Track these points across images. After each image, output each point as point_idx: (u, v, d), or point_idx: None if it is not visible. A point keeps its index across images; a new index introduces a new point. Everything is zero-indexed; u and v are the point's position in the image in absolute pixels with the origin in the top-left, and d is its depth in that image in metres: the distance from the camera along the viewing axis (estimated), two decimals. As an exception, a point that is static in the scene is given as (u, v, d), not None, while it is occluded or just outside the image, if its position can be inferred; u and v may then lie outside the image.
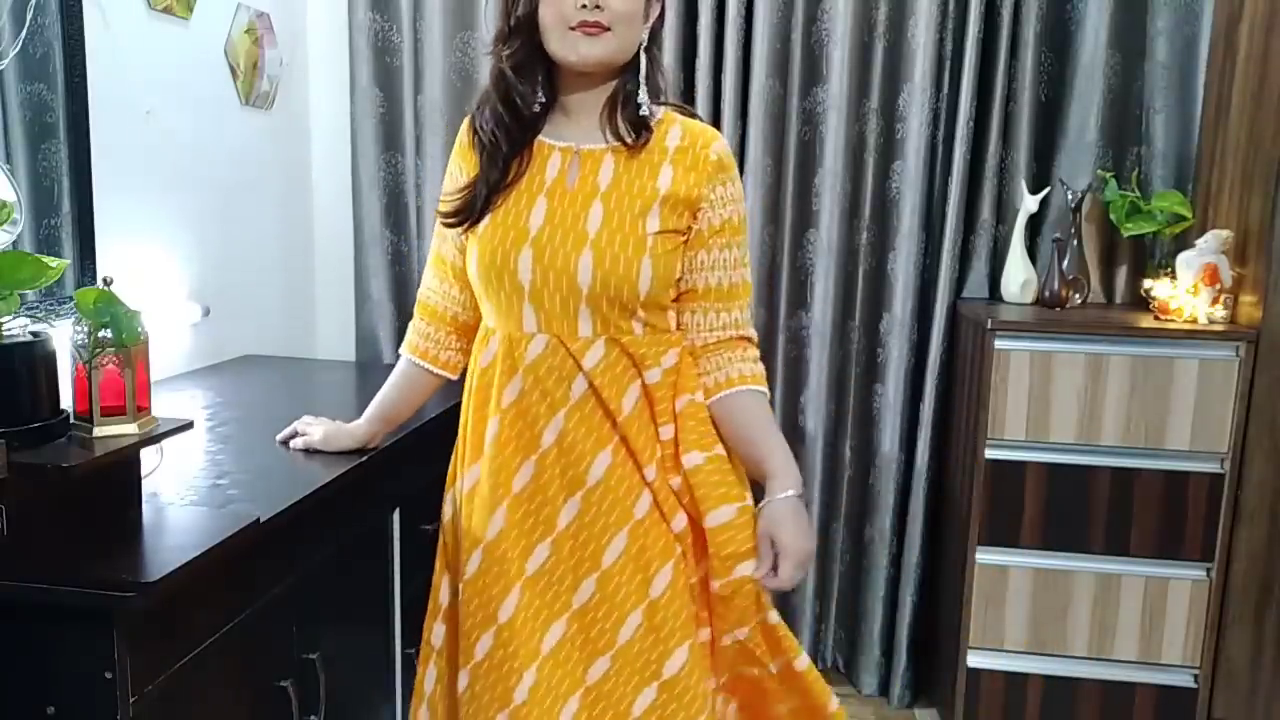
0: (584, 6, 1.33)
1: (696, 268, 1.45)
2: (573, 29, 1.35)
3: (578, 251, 1.39)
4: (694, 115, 1.52)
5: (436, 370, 1.62)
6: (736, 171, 1.48)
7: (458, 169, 1.51)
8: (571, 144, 1.44)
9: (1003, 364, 2.25)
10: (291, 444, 1.75)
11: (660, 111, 1.45)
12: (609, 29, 1.35)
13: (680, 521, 1.45)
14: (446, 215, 1.47)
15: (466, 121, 1.52)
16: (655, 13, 1.43)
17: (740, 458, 1.48)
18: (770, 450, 1.46)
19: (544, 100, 1.43)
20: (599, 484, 1.43)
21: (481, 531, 1.45)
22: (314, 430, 1.73)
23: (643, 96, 1.41)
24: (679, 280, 1.45)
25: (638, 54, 1.42)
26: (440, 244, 1.57)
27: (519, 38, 1.39)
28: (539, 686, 1.41)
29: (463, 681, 1.48)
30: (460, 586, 1.49)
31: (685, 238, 1.44)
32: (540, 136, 1.45)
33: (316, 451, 1.72)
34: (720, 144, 1.46)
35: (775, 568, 1.43)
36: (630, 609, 1.43)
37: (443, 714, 1.57)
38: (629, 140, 1.41)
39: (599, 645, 1.44)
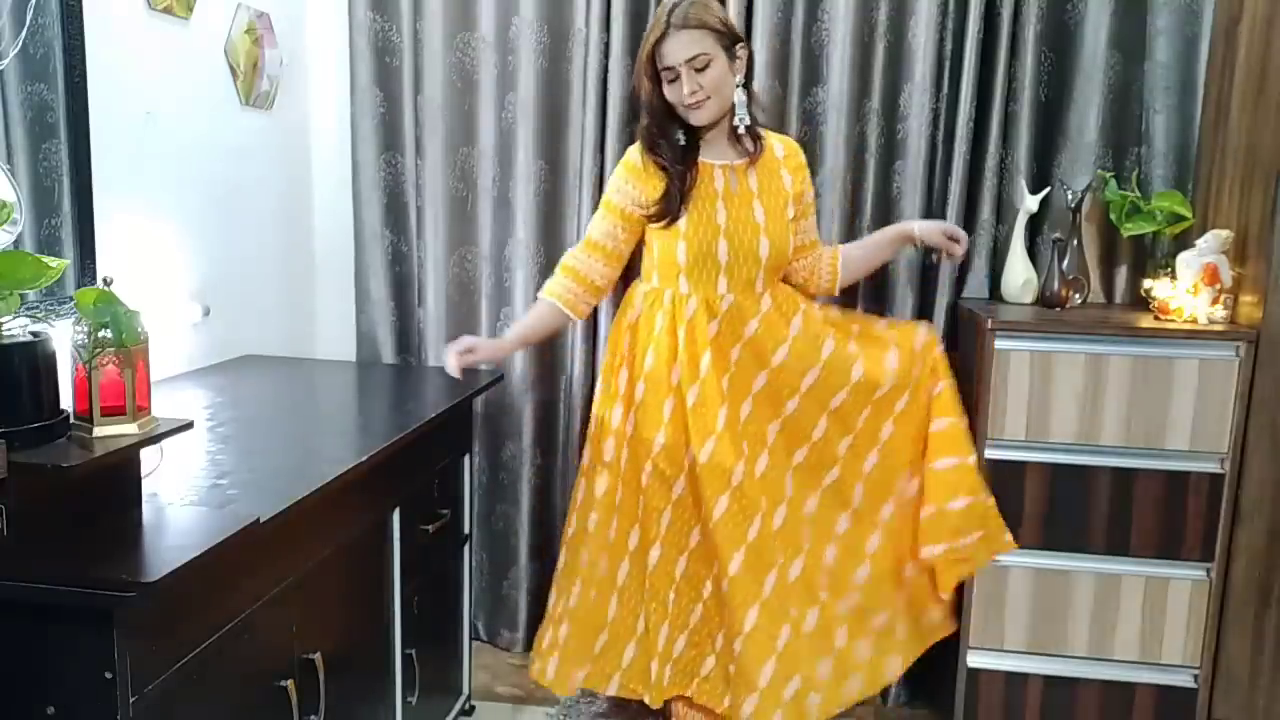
0: (690, 93, 2.01)
1: (806, 230, 2.24)
2: (685, 106, 2.03)
3: (756, 237, 2.09)
4: (772, 129, 2.25)
5: (570, 313, 2.22)
6: None
7: (631, 185, 2.12)
8: (725, 161, 2.12)
9: (1003, 364, 2.25)
10: (459, 364, 2.17)
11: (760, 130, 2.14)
12: (709, 98, 2.02)
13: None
14: (654, 218, 2.10)
15: (637, 149, 2.13)
16: (742, 65, 2.07)
17: (873, 261, 2.32)
18: (878, 235, 2.32)
19: (683, 142, 2.08)
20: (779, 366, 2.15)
21: (713, 422, 2.08)
22: (480, 350, 2.20)
23: (738, 122, 2.08)
24: (801, 235, 2.22)
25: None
26: (602, 236, 2.17)
27: (656, 116, 2.08)
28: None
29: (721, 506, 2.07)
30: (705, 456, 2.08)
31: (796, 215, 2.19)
32: (701, 158, 2.10)
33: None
34: (799, 149, 2.23)
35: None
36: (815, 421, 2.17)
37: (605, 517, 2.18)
38: (752, 153, 2.13)
39: (797, 440, 2.17)
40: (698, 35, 1.98)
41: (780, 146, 2.19)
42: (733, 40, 2.04)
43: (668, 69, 2.01)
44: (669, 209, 2.07)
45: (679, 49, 1.99)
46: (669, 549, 2.15)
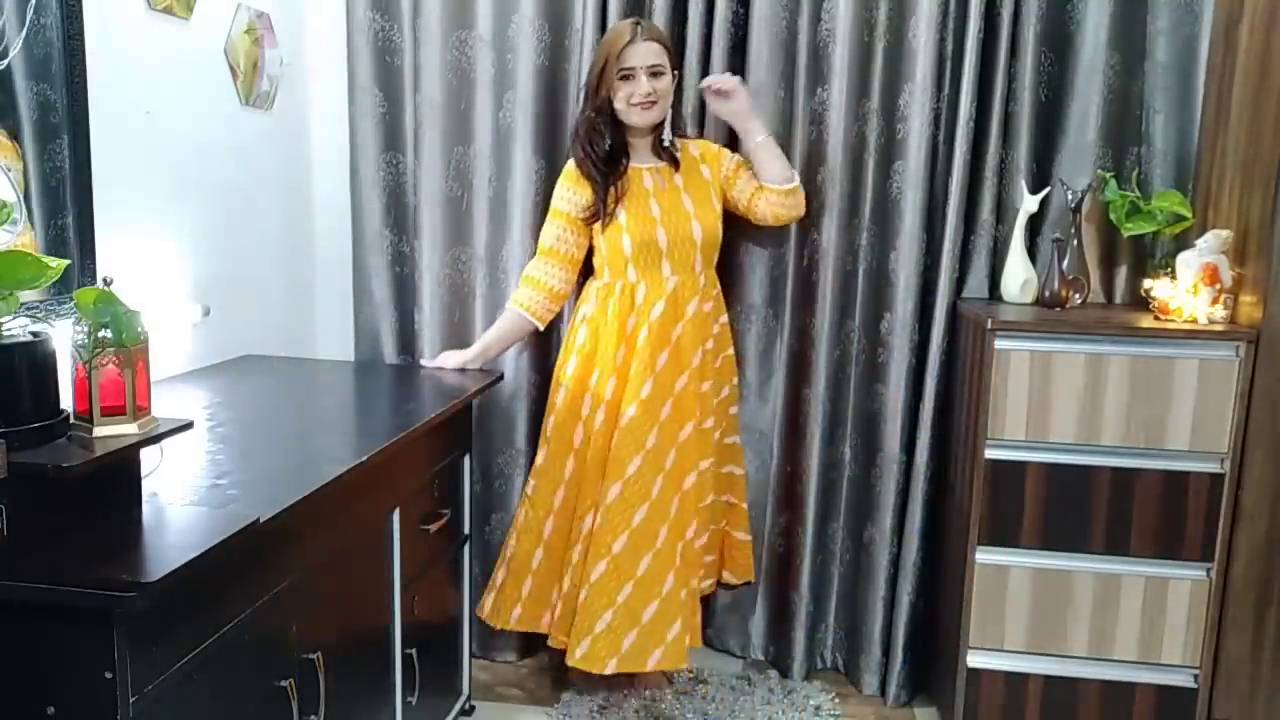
0: (647, 93, 2.35)
1: (747, 180, 2.50)
2: (634, 104, 2.37)
3: (689, 224, 2.43)
4: (686, 134, 2.59)
5: (535, 320, 2.52)
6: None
7: (573, 192, 2.44)
8: (651, 165, 2.47)
9: (1003, 364, 2.25)
10: (425, 363, 2.66)
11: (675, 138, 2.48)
12: (657, 102, 2.37)
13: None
14: (589, 220, 2.43)
15: (573, 161, 2.45)
16: (674, 83, 2.42)
17: (772, 160, 2.47)
18: (751, 151, 2.50)
19: (611, 146, 2.40)
20: (708, 353, 2.53)
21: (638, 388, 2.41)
22: (447, 360, 2.56)
23: (666, 135, 2.43)
24: (742, 193, 2.50)
25: None
26: (554, 242, 2.48)
27: (600, 113, 2.39)
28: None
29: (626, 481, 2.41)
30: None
31: (726, 199, 2.51)
32: (632, 164, 2.44)
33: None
34: (710, 143, 2.58)
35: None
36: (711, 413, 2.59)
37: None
38: (672, 160, 2.47)
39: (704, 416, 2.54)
40: (657, 48, 2.36)
41: (695, 148, 2.53)
42: (673, 65, 2.40)
43: (627, 69, 2.34)
44: (599, 211, 2.40)
45: (643, 55, 2.33)
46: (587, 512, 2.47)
